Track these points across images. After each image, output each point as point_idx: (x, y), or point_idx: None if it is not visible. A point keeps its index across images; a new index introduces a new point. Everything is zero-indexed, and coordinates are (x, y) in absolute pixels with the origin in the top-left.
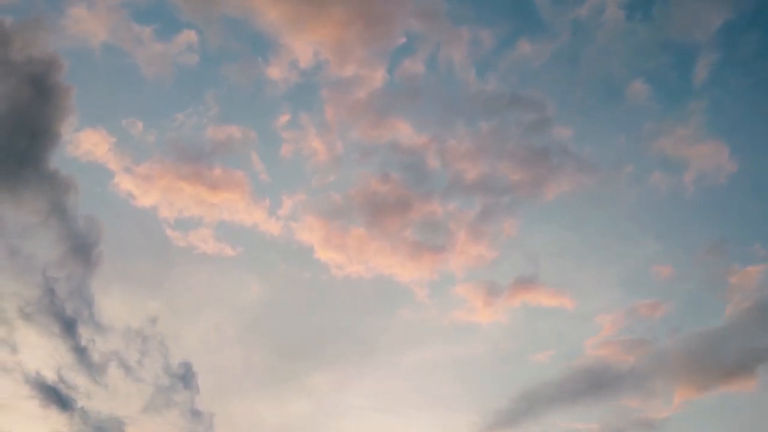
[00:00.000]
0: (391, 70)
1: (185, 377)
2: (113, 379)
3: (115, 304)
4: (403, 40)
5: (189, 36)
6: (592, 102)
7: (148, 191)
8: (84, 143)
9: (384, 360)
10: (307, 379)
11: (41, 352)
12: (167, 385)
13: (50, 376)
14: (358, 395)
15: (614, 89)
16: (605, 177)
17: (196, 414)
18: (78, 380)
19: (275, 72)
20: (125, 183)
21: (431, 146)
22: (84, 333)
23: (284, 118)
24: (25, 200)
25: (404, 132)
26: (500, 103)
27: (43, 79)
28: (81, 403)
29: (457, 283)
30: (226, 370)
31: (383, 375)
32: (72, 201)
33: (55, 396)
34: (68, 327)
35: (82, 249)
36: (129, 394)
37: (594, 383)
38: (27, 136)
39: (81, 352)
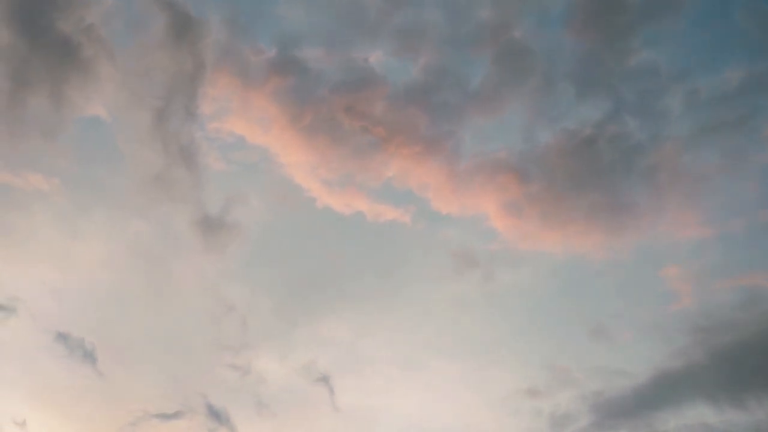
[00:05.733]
0: None
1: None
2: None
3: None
4: None
5: None
6: None
7: (299, 144)
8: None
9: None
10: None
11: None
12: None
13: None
14: None
15: None
16: None
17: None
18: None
19: None
20: (267, 138)
21: (683, 79)
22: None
23: (514, 34)
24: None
25: (646, 58)
26: None
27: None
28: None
29: (662, 262)
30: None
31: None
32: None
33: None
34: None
35: (218, 232)
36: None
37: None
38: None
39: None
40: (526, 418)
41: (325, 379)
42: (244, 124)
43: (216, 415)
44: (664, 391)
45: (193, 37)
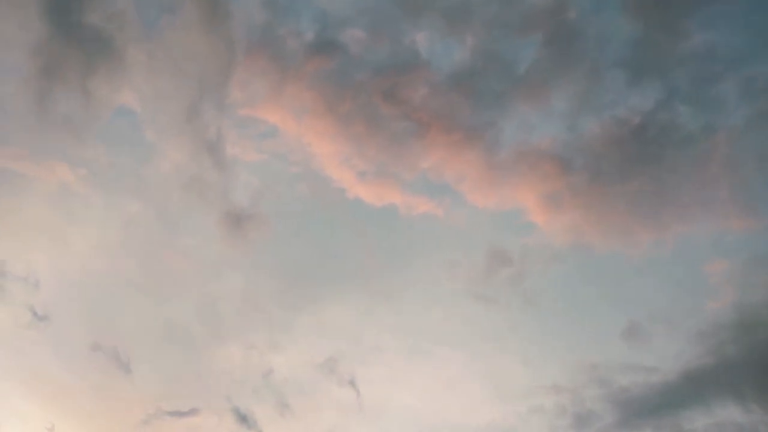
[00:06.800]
0: None
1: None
2: None
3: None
4: None
5: None
6: None
7: (333, 133)
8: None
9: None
10: None
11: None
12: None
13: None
14: None
15: None
16: None
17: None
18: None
19: None
20: (300, 126)
21: (740, 65)
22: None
23: (568, 15)
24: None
25: (702, 42)
26: None
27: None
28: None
29: (706, 258)
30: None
31: None
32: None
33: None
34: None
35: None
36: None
37: None
38: None
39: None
40: (549, 415)
41: (351, 376)
42: (277, 112)
43: (228, 411)
44: (695, 389)
45: (226, 18)
